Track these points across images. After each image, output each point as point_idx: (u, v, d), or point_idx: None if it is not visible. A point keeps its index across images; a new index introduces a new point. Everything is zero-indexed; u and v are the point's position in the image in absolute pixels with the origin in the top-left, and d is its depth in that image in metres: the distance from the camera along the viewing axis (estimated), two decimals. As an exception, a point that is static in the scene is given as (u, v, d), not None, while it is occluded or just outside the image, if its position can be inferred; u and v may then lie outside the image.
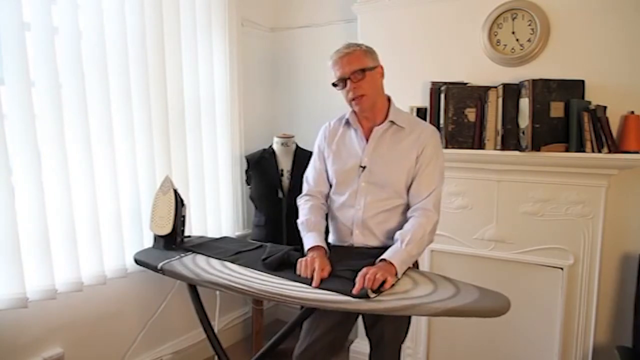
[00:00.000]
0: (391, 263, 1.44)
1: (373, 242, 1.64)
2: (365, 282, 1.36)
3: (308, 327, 1.67)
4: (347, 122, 1.71)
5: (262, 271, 1.59)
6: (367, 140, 1.65)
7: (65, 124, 1.86)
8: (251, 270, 1.62)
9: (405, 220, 1.61)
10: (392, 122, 1.63)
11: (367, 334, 1.75)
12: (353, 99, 1.58)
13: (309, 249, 1.59)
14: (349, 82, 1.55)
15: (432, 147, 1.61)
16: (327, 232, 1.75)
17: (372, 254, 1.52)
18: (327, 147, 1.73)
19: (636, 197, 2.01)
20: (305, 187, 1.79)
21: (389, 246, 1.54)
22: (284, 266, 1.59)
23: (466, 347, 2.35)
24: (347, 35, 2.65)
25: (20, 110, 1.70)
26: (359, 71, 1.54)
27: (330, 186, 1.74)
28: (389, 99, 1.68)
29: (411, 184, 1.61)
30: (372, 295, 1.33)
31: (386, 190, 1.61)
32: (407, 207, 1.64)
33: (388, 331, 1.66)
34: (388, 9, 2.41)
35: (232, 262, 1.72)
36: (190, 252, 1.88)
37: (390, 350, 1.69)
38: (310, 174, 1.78)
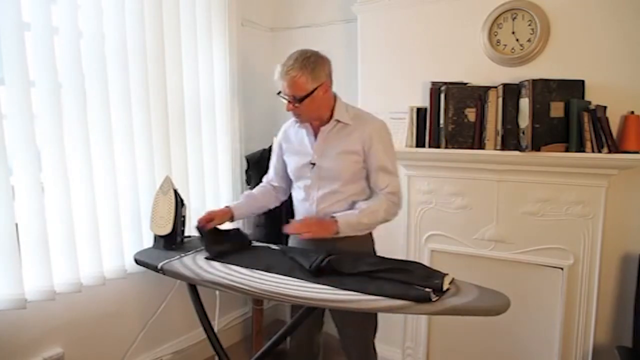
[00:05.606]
0: (336, 220, 1.62)
1: None
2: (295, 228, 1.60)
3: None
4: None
5: (300, 278, 1.52)
6: (316, 138, 1.73)
7: (65, 124, 1.86)
8: (252, 269, 1.62)
9: None
10: (337, 121, 1.71)
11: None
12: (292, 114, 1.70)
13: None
14: (288, 102, 1.64)
15: (379, 142, 1.69)
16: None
17: (377, 261, 1.57)
18: (284, 145, 1.87)
19: (636, 197, 2.01)
20: (264, 178, 2.00)
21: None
22: (325, 272, 1.53)
23: (466, 347, 2.35)
24: (347, 35, 2.66)
25: (20, 110, 1.69)
26: (298, 98, 1.62)
27: (291, 180, 1.88)
28: (335, 97, 1.73)
29: (368, 177, 1.72)
30: (434, 298, 1.31)
31: (336, 184, 1.71)
32: (361, 196, 1.74)
33: (349, 320, 1.78)
34: (388, 9, 2.41)
35: (265, 271, 1.61)
36: (191, 252, 1.85)
37: (356, 338, 1.81)
38: (271, 167, 1.98)
